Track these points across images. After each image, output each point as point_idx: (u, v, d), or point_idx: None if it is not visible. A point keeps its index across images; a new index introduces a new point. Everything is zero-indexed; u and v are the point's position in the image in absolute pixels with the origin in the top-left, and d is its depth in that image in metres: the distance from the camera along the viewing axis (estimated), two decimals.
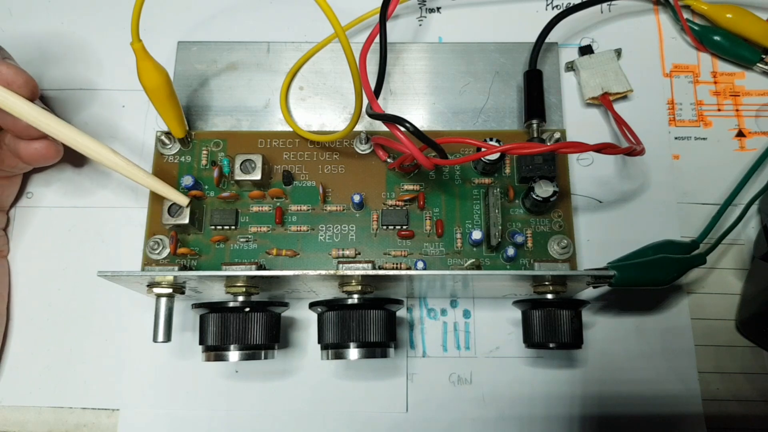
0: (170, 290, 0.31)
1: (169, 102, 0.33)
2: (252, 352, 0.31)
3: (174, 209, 0.33)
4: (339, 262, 0.33)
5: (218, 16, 0.41)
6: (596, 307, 0.36)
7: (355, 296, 0.31)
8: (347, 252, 0.35)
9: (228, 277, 0.30)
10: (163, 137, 0.36)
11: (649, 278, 0.31)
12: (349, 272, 0.29)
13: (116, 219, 0.37)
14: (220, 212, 0.35)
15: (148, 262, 0.34)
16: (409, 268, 0.34)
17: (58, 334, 0.35)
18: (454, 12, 0.41)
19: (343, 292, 0.32)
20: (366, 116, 0.33)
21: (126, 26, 0.30)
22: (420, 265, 0.34)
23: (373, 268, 0.30)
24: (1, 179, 0.35)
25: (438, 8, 0.42)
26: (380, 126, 0.36)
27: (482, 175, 0.36)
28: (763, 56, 0.39)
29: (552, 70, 0.38)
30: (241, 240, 0.35)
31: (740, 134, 0.39)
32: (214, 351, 0.30)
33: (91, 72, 0.40)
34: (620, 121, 0.36)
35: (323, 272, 0.29)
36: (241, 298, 0.31)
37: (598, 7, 0.41)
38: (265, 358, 0.31)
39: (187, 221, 0.33)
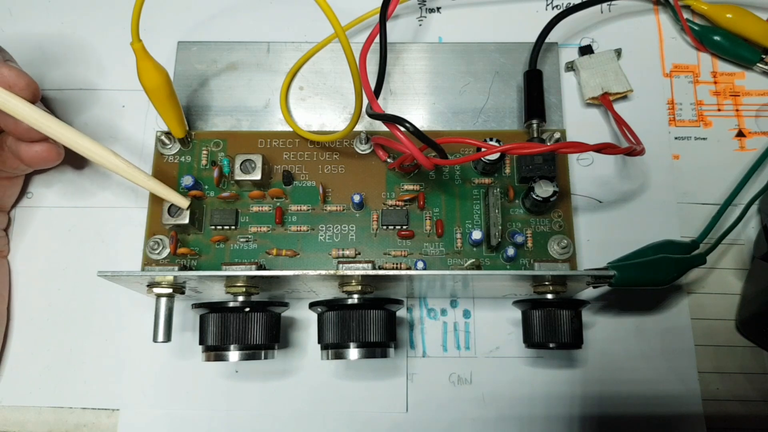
0: (170, 290, 0.31)
1: (169, 102, 0.33)
2: (252, 352, 0.31)
3: (174, 209, 0.33)
4: (339, 262, 0.33)
5: (218, 16, 0.41)
6: (596, 307, 0.36)
7: (355, 296, 0.31)
8: (347, 252, 0.35)
9: (228, 277, 0.30)
10: (163, 137, 0.36)
11: (649, 278, 0.31)
12: (349, 272, 0.29)
13: (116, 219, 0.37)
14: (220, 212, 0.35)
15: (148, 262, 0.34)
16: (409, 268, 0.34)
17: (58, 334, 0.36)
18: (454, 12, 0.41)
19: (343, 292, 0.32)
20: (366, 116, 0.33)
21: (126, 26, 0.30)
22: (420, 265, 0.34)
23: (373, 268, 0.30)
24: (2, 180, 0.35)
25: (438, 8, 0.42)
26: (380, 126, 0.36)
27: (482, 175, 0.36)
28: (763, 56, 0.39)
29: (552, 70, 0.38)
30: (241, 240, 0.35)
31: (740, 134, 0.39)
32: (214, 351, 0.30)
33: (91, 72, 0.40)
34: (620, 121, 0.36)
35: (323, 272, 0.29)
36: (241, 298, 0.31)
37: (598, 7, 0.41)
38: (265, 358, 0.31)
39: (187, 221, 0.33)
